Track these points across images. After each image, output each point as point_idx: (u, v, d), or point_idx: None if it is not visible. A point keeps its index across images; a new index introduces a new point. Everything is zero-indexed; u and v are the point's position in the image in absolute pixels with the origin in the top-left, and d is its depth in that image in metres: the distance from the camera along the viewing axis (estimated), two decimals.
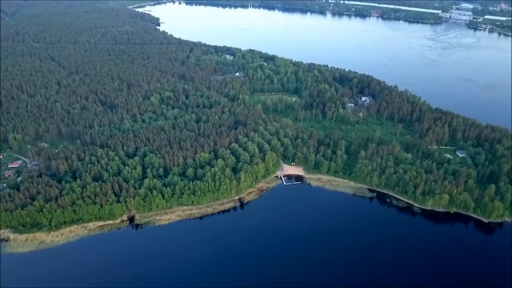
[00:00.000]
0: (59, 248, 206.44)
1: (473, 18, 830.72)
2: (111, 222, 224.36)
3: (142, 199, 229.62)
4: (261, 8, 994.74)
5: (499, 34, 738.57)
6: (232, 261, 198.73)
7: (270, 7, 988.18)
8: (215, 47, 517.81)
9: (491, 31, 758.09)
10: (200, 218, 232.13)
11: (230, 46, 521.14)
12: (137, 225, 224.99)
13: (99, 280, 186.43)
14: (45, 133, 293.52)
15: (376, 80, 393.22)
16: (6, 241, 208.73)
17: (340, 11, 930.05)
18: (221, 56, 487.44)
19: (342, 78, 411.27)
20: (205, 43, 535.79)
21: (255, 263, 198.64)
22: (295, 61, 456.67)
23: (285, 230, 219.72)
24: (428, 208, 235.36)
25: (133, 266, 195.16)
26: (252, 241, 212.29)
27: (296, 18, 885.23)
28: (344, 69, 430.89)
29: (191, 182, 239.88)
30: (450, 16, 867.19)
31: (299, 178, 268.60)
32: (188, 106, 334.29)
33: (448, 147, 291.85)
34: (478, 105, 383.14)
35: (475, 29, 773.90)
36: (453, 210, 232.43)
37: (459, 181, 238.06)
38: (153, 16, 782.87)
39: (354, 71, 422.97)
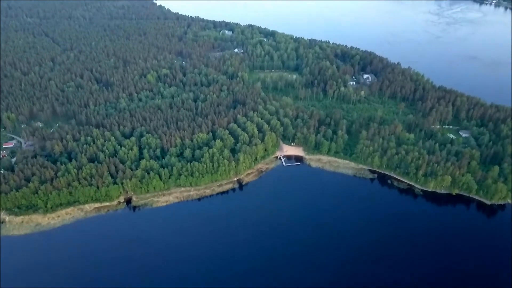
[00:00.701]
0: (56, 230, 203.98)
1: None
2: (107, 204, 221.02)
3: (139, 181, 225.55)
4: None
5: (506, 8, 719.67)
6: (231, 244, 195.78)
7: None
8: (214, 22, 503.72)
9: (497, 5, 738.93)
10: (198, 199, 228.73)
11: (229, 21, 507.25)
12: (134, 207, 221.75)
13: (97, 263, 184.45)
14: (39, 113, 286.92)
15: (379, 57, 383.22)
16: (2, 223, 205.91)
17: None
18: (220, 31, 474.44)
19: (344, 55, 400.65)
20: (203, 18, 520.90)
21: (254, 245, 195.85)
22: (295, 37, 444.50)
23: (284, 212, 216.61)
24: (430, 190, 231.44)
25: (131, 248, 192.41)
26: (251, 223, 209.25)
27: None
28: (346, 46, 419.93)
29: (189, 163, 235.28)
30: None
31: (299, 158, 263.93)
32: (186, 84, 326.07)
33: (451, 127, 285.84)
34: (482, 83, 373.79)
35: (481, 3, 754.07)
36: (455, 192, 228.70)
37: (462, 162, 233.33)
38: None
39: (356, 48, 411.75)
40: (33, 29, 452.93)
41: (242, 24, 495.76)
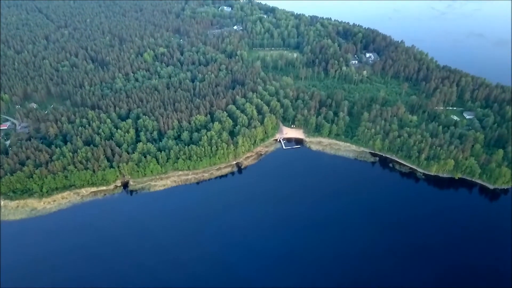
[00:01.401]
0: (52, 215, 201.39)
1: None
2: (104, 188, 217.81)
3: (136, 164, 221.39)
4: None
5: None
6: (230, 231, 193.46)
7: None
8: None
9: None
10: (197, 183, 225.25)
11: None
12: (132, 191, 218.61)
13: (94, 248, 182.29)
14: (33, 93, 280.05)
15: (382, 35, 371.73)
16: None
17: None
18: (218, 7, 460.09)
19: (346, 33, 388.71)
20: None
21: (254, 232, 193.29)
22: (296, 14, 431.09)
23: (285, 197, 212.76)
24: (432, 173, 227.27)
25: (129, 234, 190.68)
26: (250, 209, 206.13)
27: None
28: (348, 23, 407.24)
29: (186, 146, 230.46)
30: None
31: (299, 141, 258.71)
32: (183, 63, 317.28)
33: (455, 108, 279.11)
34: (488, 62, 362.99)
35: None
36: (458, 176, 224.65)
37: (465, 145, 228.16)
38: None
39: (358, 25, 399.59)
40: (26, 5, 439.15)
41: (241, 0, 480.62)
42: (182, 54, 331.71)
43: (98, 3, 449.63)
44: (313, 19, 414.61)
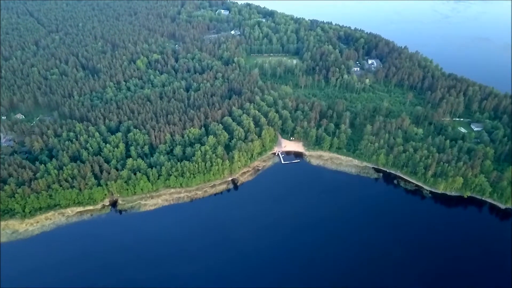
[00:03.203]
0: (34, 238, 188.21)
1: None
2: (91, 207, 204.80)
3: (125, 182, 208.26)
4: None
5: None
6: (225, 254, 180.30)
7: None
8: (209, 1, 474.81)
9: None
10: (190, 201, 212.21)
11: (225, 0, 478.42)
12: (120, 211, 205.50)
13: (79, 276, 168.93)
14: (20, 103, 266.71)
15: (385, 40, 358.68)
16: None
17: None
18: (216, 11, 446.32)
19: (347, 38, 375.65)
20: None
21: (251, 256, 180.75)
22: (296, 17, 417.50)
23: (283, 217, 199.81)
24: (439, 191, 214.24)
25: (116, 259, 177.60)
26: (246, 230, 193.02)
27: None
28: (349, 27, 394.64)
29: (179, 162, 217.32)
30: None
31: (298, 155, 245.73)
32: (178, 71, 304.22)
33: (462, 119, 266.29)
34: (495, 69, 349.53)
35: None
36: (467, 194, 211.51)
37: (474, 162, 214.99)
38: None
39: (360, 30, 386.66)
40: (17, 8, 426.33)
41: (239, 2, 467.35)
42: (176, 61, 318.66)
43: (92, 6, 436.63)
44: (313, 23, 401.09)
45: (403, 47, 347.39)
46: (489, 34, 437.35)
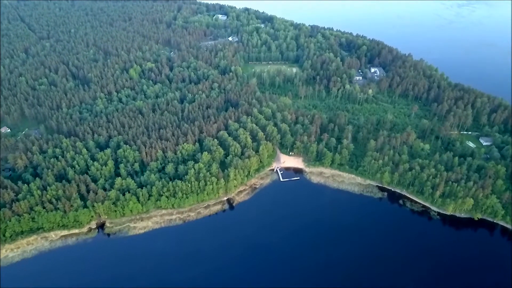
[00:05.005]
0: (14, 266, 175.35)
1: None
2: (77, 231, 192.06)
3: (113, 203, 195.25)
4: None
5: None
6: (222, 280, 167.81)
7: None
8: (207, 5, 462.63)
9: None
10: (182, 223, 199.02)
11: (223, 4, 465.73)
12: (108, 234, 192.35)
13: None
14: (5, 116, 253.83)
15: (388, 47, 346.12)
16: None
17: None
18: (213, 16, 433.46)
19: (349, 45, 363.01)
20: (195, 0, 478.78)
21: (248, 282, 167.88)
22: (296, 23, 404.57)
23: (282, 240, 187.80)
24: (448, 213, 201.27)
25: (103, 286, 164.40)
26: (243, 255, 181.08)
27: None
28: (351, 33, 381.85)
29: (170, 182, 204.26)
30: None
31: (298, 171, 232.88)
32: (172, 80, 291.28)
33: (470, 133, 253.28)
34: (502, 76, 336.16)
35: None
36: (478, 216, 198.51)
37: (485, 181, 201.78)
38: None
39: (362, 36, 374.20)
40: (8, 12, 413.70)
41: (237, 7, 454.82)
42: (171, 69, 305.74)
43: (85, 11, 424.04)
44: (314, 30, 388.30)
45: (407, 55, 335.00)
46: (494, 39, 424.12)
